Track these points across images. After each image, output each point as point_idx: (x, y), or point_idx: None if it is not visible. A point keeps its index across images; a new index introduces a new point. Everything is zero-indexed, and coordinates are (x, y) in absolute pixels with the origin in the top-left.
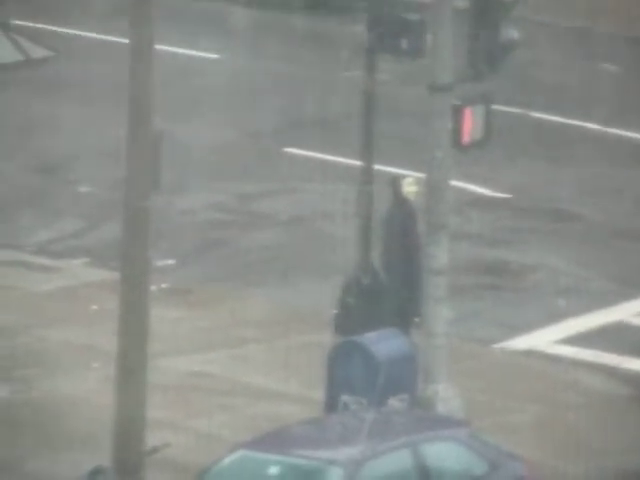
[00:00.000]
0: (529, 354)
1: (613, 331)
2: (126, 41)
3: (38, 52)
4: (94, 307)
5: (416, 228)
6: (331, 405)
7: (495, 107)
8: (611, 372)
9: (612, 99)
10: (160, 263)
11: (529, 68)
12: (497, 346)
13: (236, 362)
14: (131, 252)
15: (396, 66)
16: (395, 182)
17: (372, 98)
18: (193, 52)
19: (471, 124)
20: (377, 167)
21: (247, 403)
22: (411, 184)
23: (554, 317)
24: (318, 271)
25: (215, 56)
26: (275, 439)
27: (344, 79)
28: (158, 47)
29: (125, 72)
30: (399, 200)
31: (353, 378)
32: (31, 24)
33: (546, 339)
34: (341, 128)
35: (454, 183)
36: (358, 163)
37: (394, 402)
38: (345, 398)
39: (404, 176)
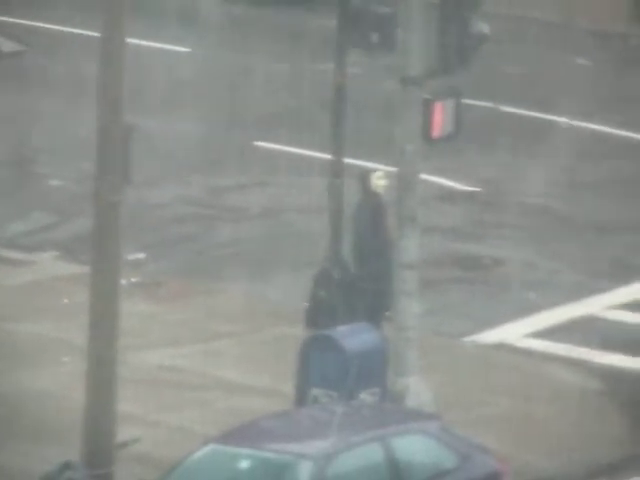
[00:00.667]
0: (500, 347)
1: (583, 324)
2: (97, 35)
3: (8, 46)
4: (65, 301)
5: (386, 222)
6: (301, 398)
7: (465, 101)
8: (582, 365)
9: (582, 93)
10: (131, 257)
11: (499, 62)
12: (467, 339)
13: (207, 356)
14: (102, 246)
15: (367, 60)
16: (364, 176)
17: (342, 92)
18: (164, 45)
19: (441, 118)
20: (347, 160)
21: (218, 397)
22: (380, 178)
23: (524, 310)
24: (289, 264)
25: (186, 49)
26: (245, 433)
27: (315, 73)
28: (129, 40)
29: (96, 65)
30: (368, 194)
31: (324, 371)
32: (2, 18)
33: (516, 332)
34: (312, 122)
35: (424, 177)
36: (329, 156)
37: (365, 396)
38: (316, 391)
39: (373, 170)
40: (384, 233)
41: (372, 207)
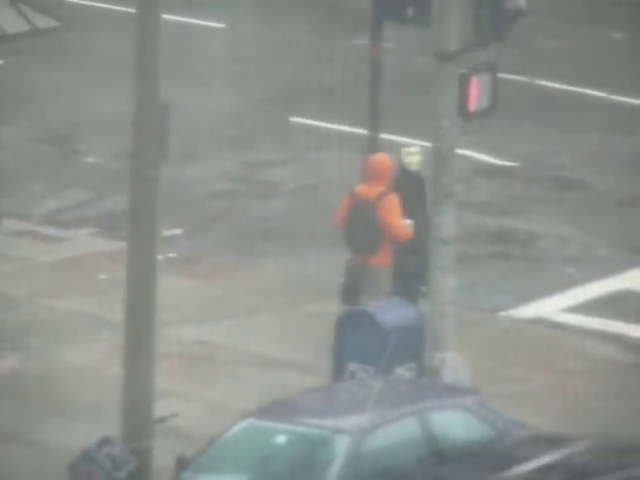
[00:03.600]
0: (536, 322)
1: (620, 299)
2: (133, 10)
3: (44, 22)
4: (102, 277)
5: (424, 197)
6: (338, 374)
7: (501, 75)
8: (618, 340)
9: (617, 66)
10: (167, 233)
11: (535, 35)
12: (504, 314)
13: (244, 331)
14: (138, 222)
15: (403, 34)
16: (401, 152)
17: (378, 67)
18: (199, 21)
19: (477, 92)
20: (383, 136)
21: (255, 372)
22: (410, 154)
23: (560, 285)
24: (325, 240)
25: (221, 25)
26: (282, 408)
27: (351, 48)
28: (164, 16)
29: (132, 42)
30: (404, 170)
31: (360, 347)
32: None
33: (553, 307)
34: (347, 97)
35: (460, 152)
36: (364, 132)
37: (402, 371)
38: (352, 367)
39: (407, 146)
40: (421, 209)
41: (408, 183)
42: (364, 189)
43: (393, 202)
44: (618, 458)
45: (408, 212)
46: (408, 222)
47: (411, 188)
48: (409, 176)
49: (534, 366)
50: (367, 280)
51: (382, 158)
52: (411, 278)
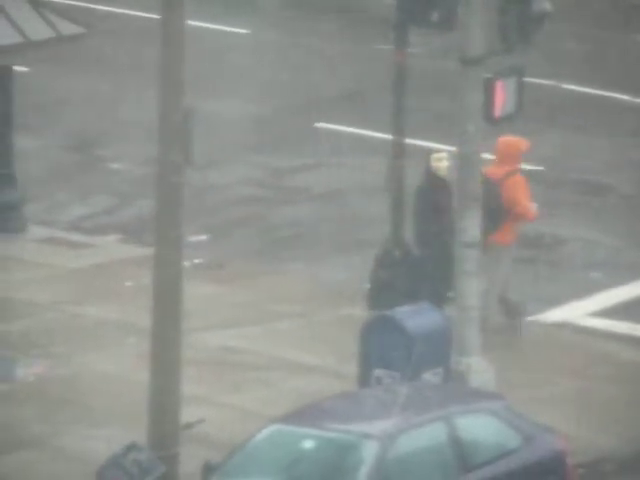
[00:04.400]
0: (562, 326)
1: None
2: (157, 17)
3: (69, 29)
4: (128, 283)
5: (450, 202)
6: (364, 379)
7: (527, 79)
8: None
9: None
10: (193, 239)
11: (559, 39)
12: (531, 319)
13: (270, 337)
14: (164, 228)
15: (427, 39)
16: (427, 157)
17: (403, 72)
18: (224, 27)
19: (503, 97)
20: (408, 141)
21: (281, 378)
22: (440, 159)
23: (587, 289)
24: (351, 246)
25: (245, 31)
26: (309, 413)
27: (375, 53)
28: (189, 22)
29: (157, 48)
30: (430, 175)
31: (386, 352)
32: (62, 0)
33: (580, 311)
34: (372, 102)
35: (486, 156)
36: (390, 137)
37: (428, 376)
38: (378, 372)
39: (435, 151)
40: (447, 214)
41: (434, 188)
42: (492, 169)
43: (520, 182)
44: None
45: (432, 216)
46: (533, 205)
47: (435, 192)
48: (436, 180)
49: (560, 371)
50: (490, 258)
51: (511, 139)
52: (438, 283)
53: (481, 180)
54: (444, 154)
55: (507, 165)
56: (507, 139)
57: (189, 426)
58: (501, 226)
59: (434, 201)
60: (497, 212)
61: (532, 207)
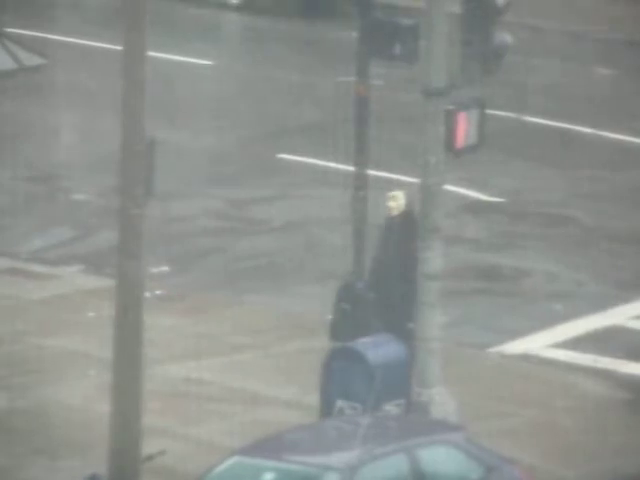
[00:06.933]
0: (524, 358)
1: (608, 335)
2: (119, 48)
3: (31, 60)
4: (90, 314)
5: (414, 234)
6: (326, 411)
7: (488, 111)
8: (606, 376)
9: (604, 102)
10: (155, 270)
11: (522, 72)
12: (492, 350)
13: (231, 368)
14: (125, 259)
15: (389, 71)
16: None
17: (365, 103)
18: (186, 58)
19: (465, 128)
20: (371, 172)
21: (243, 409)
22: (391, 198)
23: (549, 321)
24: (313, 277)
25: (208, 62)
26: (270, 445)
27: (337, 85)
28: (151, 54)
29: (118, 79)
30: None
31: (348, 383)
32: (24, 32)
33: (541, 343)
34: (335, 134)
35: (448, 188)
36: (352, 168)
37: (390, 407)
38: (340, 403)
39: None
40: (412, 246)
41: (401, 223)
42: None
43: None
44: None
45: (400, 250)
46: None
47: (404, 227)
48: (403, 216)
49: (522, 402)
50: None
51: None
52: (400, 314)
53: None
54: (395, 193)
55: None
56: None
57: (150, 458)
58: None
59: (400, 235)
60: None
61: None
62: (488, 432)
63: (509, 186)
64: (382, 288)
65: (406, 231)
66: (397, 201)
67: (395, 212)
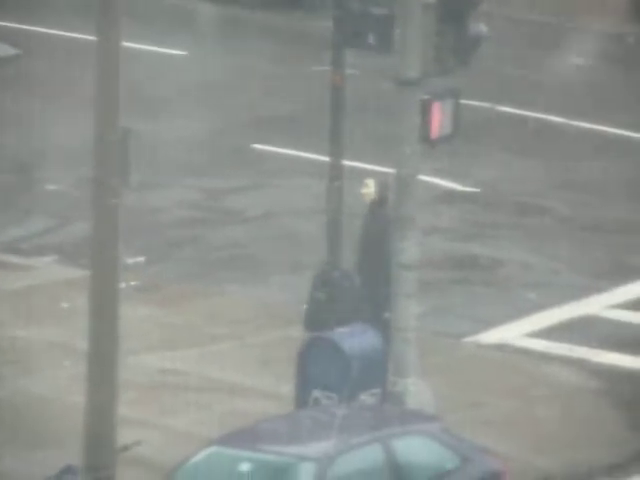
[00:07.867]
0: (500, 348)
1: (583, 324)
2: (93, 38)
3: (3, 50)
4: (64, 305)
5: (389, 225)
6: (302, 401)
7: (463, 102)
8: (581, 365)
9: (579, 93)
10: (130, 260)
11: (497, 62)
12: (468, 340)
13: (207, 359)
14: (101, 249)
15: (364, 61)
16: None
17: (340, 93)
18: (160, 49)
19: (439, 119)
20: (346, 163)
21: (219, 399)
22: (364, 186)
23: (524, 310)
24: (288, 267)
25: (182, 53)
26: (246, 435)
27: (312, 74)
28: (125, 44)
29: (92, 69)
30: (379, 202)
31: (324, 373)
32: None
33: (516, 332)
34: (309, 124)
35: (423, 178)
36: (327, 159)
37: (365, 397)
38: (316, 393)
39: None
40: (387, 237)
41: (382, 214)
42: None
43: None
44: None
45: (382, 242)
46: None
47: (383, 218)
48: (382, 207)
49: (498, 392)
50: None
51: None
52: (376, 304)
53: None
54: (367, 181)
55: None
56: None
57: (126, 448)
58: None
59: (380, 226)
60: None
61: None
62: (464, 422)
63: (484, 176)
64: (364, 274)
65: (377, 219)
66: (368, 189)
67: (367, 199)
